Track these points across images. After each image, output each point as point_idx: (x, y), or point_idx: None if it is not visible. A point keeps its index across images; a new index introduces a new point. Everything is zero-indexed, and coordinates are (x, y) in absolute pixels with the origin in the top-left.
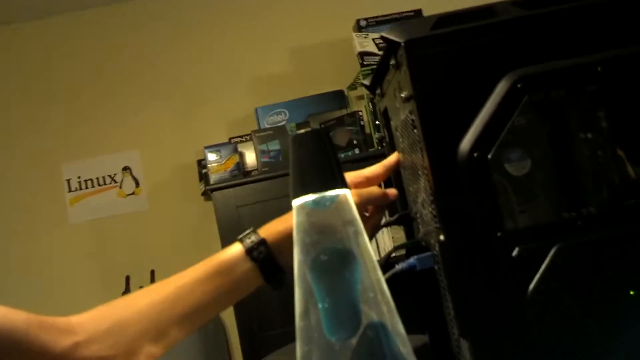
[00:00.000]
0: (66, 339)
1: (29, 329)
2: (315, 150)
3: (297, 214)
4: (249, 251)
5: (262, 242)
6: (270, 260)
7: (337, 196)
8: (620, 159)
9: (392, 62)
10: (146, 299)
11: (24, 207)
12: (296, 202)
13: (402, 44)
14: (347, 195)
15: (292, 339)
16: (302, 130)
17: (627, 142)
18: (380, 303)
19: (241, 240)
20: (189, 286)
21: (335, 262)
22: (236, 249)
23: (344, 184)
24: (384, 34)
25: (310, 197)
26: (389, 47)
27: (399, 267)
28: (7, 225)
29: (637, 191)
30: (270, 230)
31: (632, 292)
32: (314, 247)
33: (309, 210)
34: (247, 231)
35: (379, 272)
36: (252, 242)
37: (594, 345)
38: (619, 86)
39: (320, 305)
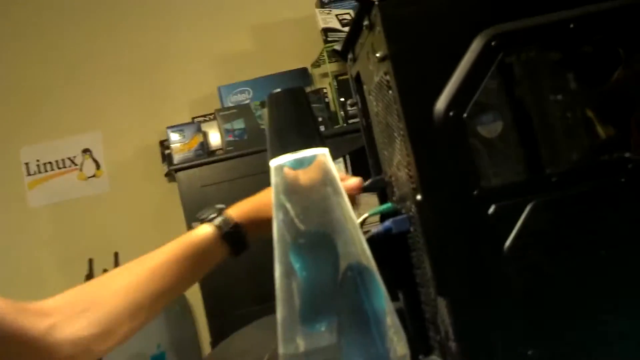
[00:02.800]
0: (42, 322)
1: (5, 313)
2: (292, 109)
3: (275, 175)
4: (225, 235)
5: (237, 226)
6: (243, 241)
7: (315, 155)
8: (589, 120)
9: (366, 22)
10: (120, 279)
11: None
12: (274, 163)
13: (376, 3)
14: (326, 154)
15: (260, 317)
16: (278, 89)
17: (596, 103)
18: (364, 275)
19: (211, 221)
20: (164, 267)
21: (315, 244)
22: (209, 230)
23: (322, 143)
24: None
25: (288, 157)
26: (361, 8)
27: (374, 230)
28: None
29: (607, 149)
30: (241, 213)
31: (602, 252)
32: (293, 207)
33: (287, 170)
34: (213, 211)
35: (360, 233)
36: (227, 225)
37: (569, 301)
38: (589, 44)
39: (300, 277)
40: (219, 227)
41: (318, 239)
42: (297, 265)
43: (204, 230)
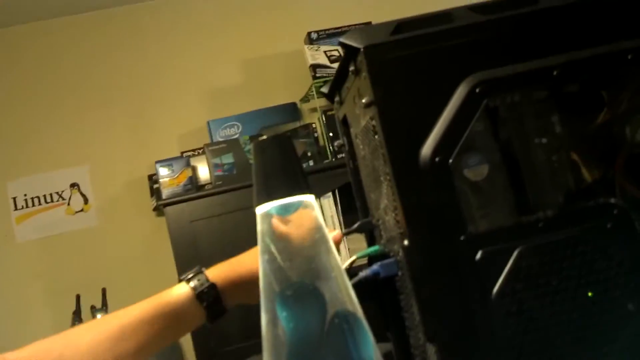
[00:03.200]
0: None
1: None
2: (278, 156)
3: (261, 222)
4: (199, 295)
5: (212, 286)
6: (218, 305)
7: (301, 202)
8: (575, 163)
9: (352, 68)
10: (87, 337)
11: None
12: (260, 210)
13: (362, 50)
14: (312, 200)
15: (249, 354)
16: (264, 136)
17: (581, 147)
18: (352, 326)
19: (188, 281)
20: (133, 326)
21: (301, 295)
22: (183, 291)
23: (308, 189)
24: (342, 40)
25: (274, 204)
26: (347, 53)
27: (362, 274)
28: None
29: (593, 193)
30: (220, 274)
31: (590, 294)
32: (279, 254)
33: (273, 217)
34: (193, 271)
35: (346, 279)
36: (202, 285)
37: (557, 346)
38: (573, 90)
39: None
40: (193, 287)
41: (304, 289)
42: (283, 315)
43: (179, 290)
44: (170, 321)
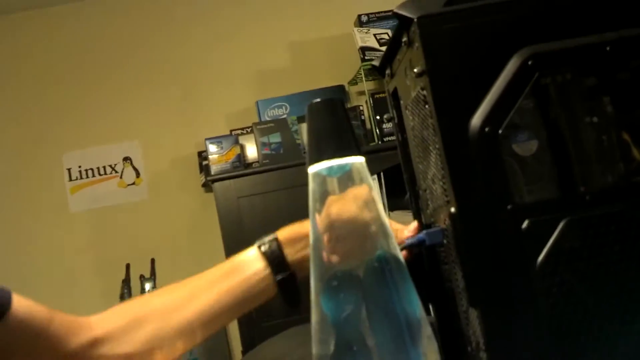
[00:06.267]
0: (85, 335)
1: (50, 323)
2: (330, 119)
3: (312, 181)
4: (261, 246)
5: (274, 238)
6: (279, 256)
7: (351, 164)
8: (625, 143)
9: (405, 39)
10: (161, 298)
11: (25, 196)
12: (312, 170)
13: (415, 20)
14: (362, 162)
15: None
16: (317, 99)
17: (632, 127)
18: (396, 275)
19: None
20: (204, 286)
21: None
22: (251, 249)
23: (358, 151)
24: (396, 10)
25: (325, 164)
26: (400, 24)
27: (408, 242)
28: (8, 214)
29: None
30: (285, 231)
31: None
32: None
33: (324, 177)
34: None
35: (393, 239)
36: (265, 240)
37: (596, 320)
38: (625, 68)
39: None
40: (258, 243)
41: (348, 280)
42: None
43: (249, 250)
44: (236, 278)
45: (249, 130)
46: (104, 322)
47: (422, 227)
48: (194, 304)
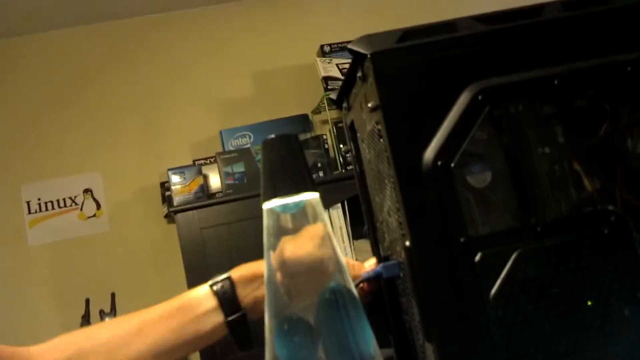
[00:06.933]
0: None
1: None
2: (284, 154)
3: (266, 217)
4: (213, 285)
5: (227, 277)
6: (230, 296)
7: (306, 200)
8: (576, 173)
9: (359, 74)
10: (107, 332)
11: None
12: (266, 206)
13: (369, 56)
14: (316, 198)
15: None
16: (272, 135)
17: (584, 157)
18: (349, 307)
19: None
20: (152, 321)
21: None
22: (203, 287)
23: (313, 187)
24: (350, 46)
25: (279, 201)
26: (355, 59)
27: (366, 275)
28: None
29: (593, 201)
30: (238, 270)
31: (589, 303)
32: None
33: (278, 214)
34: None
35: (348, 275)
36: (218, 278)
37: (552, 349)
38: (574, 100)
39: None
40: (211, 282)
41: (301, 326)
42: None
43: (199, 288)
44: (186, 316)
45: (212, 160)
46: (45, 353)
47: (380, 259)
48: (142, 339)
